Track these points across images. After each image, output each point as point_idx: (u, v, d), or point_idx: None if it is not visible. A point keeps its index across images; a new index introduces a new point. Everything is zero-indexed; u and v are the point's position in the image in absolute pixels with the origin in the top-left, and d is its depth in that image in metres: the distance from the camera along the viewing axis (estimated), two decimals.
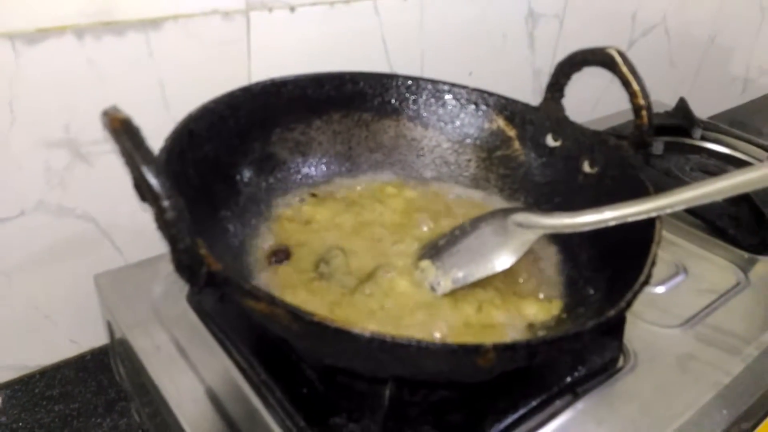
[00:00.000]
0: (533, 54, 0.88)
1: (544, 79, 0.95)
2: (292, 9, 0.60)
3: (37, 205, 0.51)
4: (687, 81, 1.26)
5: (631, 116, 0.45)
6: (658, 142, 0.77)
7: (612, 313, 0.31)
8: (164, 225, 0.27)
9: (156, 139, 0.38)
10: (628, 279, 0.35)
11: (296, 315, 0.28)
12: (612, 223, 0.38)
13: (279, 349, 0.39)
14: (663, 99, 1.01)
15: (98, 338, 0.56)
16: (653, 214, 0.38)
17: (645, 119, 0.44)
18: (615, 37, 1.01)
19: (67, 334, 0.57)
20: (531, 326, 0.39)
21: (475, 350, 0.27)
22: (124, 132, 0.27)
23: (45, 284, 0.54)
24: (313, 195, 0.50)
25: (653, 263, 0.35)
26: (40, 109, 0.48)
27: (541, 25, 0.86)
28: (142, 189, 0.28)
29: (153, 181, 0.26)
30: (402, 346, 0.27)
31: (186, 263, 0.28)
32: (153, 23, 0.51)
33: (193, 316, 0.46)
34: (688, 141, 0.82)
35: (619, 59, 0.44)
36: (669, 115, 0.86)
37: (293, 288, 0.40)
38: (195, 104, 0.44)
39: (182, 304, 0.47)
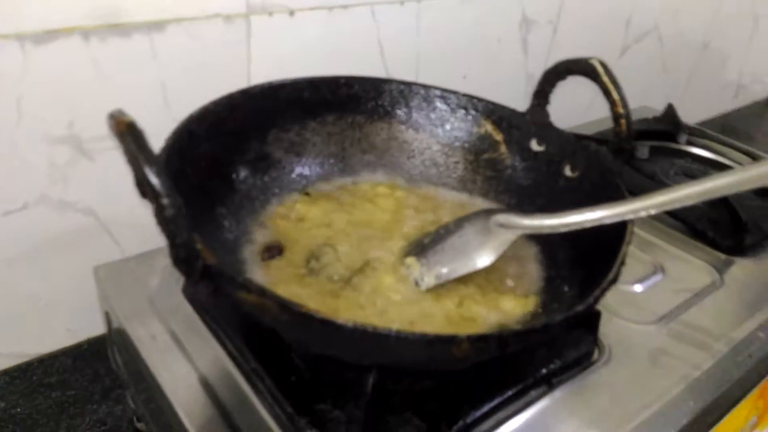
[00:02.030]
0: (527, 58, 0.89)
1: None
2: (292, 13, 0.61)
3: (40, 198, 0.53)
4: (679, 87, 1.28)
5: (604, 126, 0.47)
6: (644, 147, 0.79)
7: (580, 308, 0.33)
8: (163, 221, 0.29)
9: (156, 137, 0.38)
10: (599, 278, 0.37)
11: (285, 306, 0.30)
12: (588, 225, 0.40)
13: (269, 339, 0.41)
14: (655, 105, 1.02)
15: (94, 328, 0.58)
16: (627, 217, 0.40)
17: (624, 126, 0.46)
18: (608, 44, 1.03)
19: (65, 324, 0.59)
20: (507, 320, 0.41)
21: (450, 340, 0.30)
22: (129, 134, 0.29)
23: (45, 275, 0.56)
24: (307, 194, 0.52)
25: (622, 263, 0.37)
26: (45, 106, 0.50)
27: (535, 31, 0.88)
28: (144, 187, 0.30)
29: (154, 180, 0.28)
30: (382, 335, 0.29)
31: (183, 257, 0.30)
32: (157, 25, 0.53)
33: (187, 308, 0.48)
34: (673, 146, 0.84)
35: (600, 69, 0.46)
36: (656, 120, 0.88)
37: (285, 282, 0.42)
38: (195, 104, 0.45)
39: (177, 296, 0.49)
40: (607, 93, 0.47)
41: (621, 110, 0.46)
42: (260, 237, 0.46)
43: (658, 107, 0.98)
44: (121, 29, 0.52)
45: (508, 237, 0.42)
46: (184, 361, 0.44)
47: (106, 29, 0.51)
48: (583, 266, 0.43)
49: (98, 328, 0.57)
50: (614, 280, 0.36)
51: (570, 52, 0.55)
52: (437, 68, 0.78)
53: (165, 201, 0.28)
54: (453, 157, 0.56)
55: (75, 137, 0.53)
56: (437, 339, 0.29)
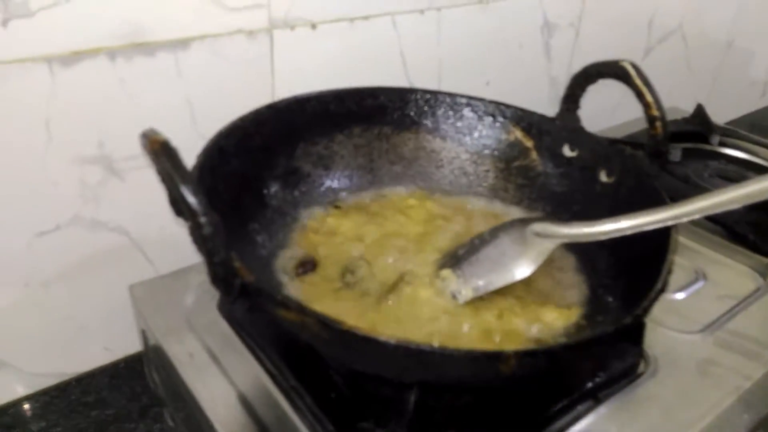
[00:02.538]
0: (549, 63, 0.88)
1: (561, 88, 0.96)
2: (314, 26, 0.61)
3: (73, 219, 0.53)
4: (705, 86, 1.25)
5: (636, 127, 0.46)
6: (676, 149, 0.77)
7: (628, 320, 0.32)
8: (201, 240, 0.29)
9: (184, 153, 0.39)
10: (644, 287, 0.35)
11: (326, 324, 0.30)
12: (628, 232, 0.39)
13: (307, 356, 0.40)
14: (681, 105, 1.01)
15: (131, 346, 0.58)
16: (669, 223, 0.38)
17: (659, 129, 0.45)
18: (631, 45, 1.01)
19: (101, 343, 0.59)
20: (550, 332, 0.40)
21: (496, 357, 0.29)
22: (163, 153, 0.29)
23: (80, 295, 0.56)
24: (337, 207, 0.51)
25: (669, 271, 0.36)
26: (74, 127, 0.50)
27: (557, 35, 0.86)
28: (179, 205, 0.30)
29: (191, 199, 0.28)
30: (426, 353, 0.28)
31: (221, 275, 0.30)
32: (182, 43, 0.53)
33: (223, 324, 0.48)
34: (706, 147, 0.82)
35: (632, 72, 0.45)
36: (686, 121, 0.86)
37: (320, 297, 0.41)
38: (221, 120, 0.45)
39: (213, 313, 0.49)
40: (640, 96, 0.45)
41: (656, 113, 0.45)
42: (293, 251, 0.46)
43: (684, 108, 0.96)
44: (145, 48, 0.52)
45: (546, 246, 0.41)
46: (222, 379, 0.44)
47: (131, 48, 0.51)
48: (625, 275, 0.42)
49: (134, 346, 0.57)
50: (662, 290, 0.34)
51: (593, 55, 0.54)
52: (460, 76, 0.77)
53: (202, 219, 0.28)
54: (483, 165, 0.55)
55: (105, 157, 0.52)
56: (483, 356, 0.29)
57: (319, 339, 0.32)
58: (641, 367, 0.46)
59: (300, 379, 0.41)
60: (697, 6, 1.09)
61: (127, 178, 0.54)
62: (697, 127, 0.83)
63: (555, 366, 0.31)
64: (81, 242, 0.54)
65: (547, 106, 0.78)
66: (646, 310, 0.33)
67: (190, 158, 0.39)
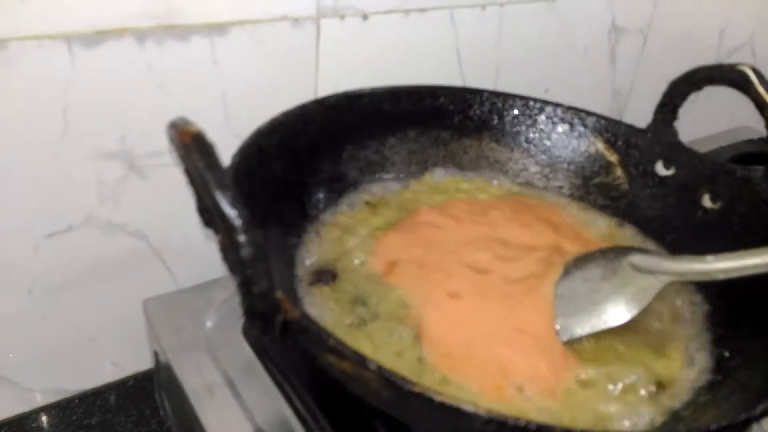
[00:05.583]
0: (614, 71, 0.81)
1: (623, 100, 0.90)
2: (365, 17, 0.55)
3: (86, 220, 0.48)
4: None
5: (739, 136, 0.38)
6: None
7: None
8: (238, 264, 0.22)
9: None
10: None
11: (391, 382, 0.23)
12: (757, 272, 0.32)
13: (349, 402, 0.34)
14: (751, 123, 0.93)
15: (142, 362, 0.53)
16: None
17: None
18: (699, 56, 0.93)
19: (110, 357, 0.54)
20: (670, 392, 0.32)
21: None
22: (196, 149, 0.22)
23: (89, 304, 0.51)
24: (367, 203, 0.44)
25: None
26: (94, 117, 0.45)
27: (624, 41, 0.80)
28: (210, 215, 0.23)
29: (229, 211, 0.21)
30: (528, 431, 0.21)
31: (260, 310, 0.23)
32: (219, 28, 0.48)
33: (248, 352, 0.42)
34: None
35: (754, 78, 0.38)
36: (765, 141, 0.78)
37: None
38: (257, 117, 0.40)
39: (237, 337, 0.43)
40: (762, 107, 0.38)
41: None
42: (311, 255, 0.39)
43: (756, 127, 0.88)
44: (178, 31, 0.46)
45: (651, 284, 0.34)
46: (242, 418, 0.38)
47: (162, 31, 0.45)
48: (744, 325, 0.34)
49: (146, 362, 0.52)
50: None
51: (659, 65, 0.48)
52: (517, 79, 0.71)
53: (242, 238, 0.21)
54: (555, 180, 0.48)
55: (127, 152, 0.48)
56: None
57: (379, 398, 0.25)
58: None
59: (335, 426, 0.35)
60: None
61: (150, 177, 0.49)
62: None
63: None
64: (94, 246, 0.49)
65: None
66: None
67: (223, 159, 0.33)
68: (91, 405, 0.54)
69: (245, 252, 0.22)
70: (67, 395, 0.53)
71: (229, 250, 0.22)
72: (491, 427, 0.21)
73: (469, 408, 0.21)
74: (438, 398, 0.22)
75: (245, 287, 0.23)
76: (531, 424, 0.21)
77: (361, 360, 0.23)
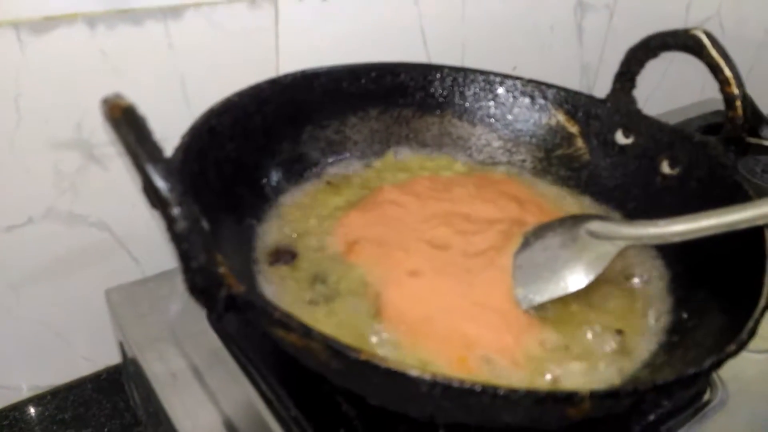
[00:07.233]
0: (581, 48, 0.81)
1: (593, 75, 0.89)
2: None
3: (47, 211, 0.47)
4: (743, 76, 1.17)
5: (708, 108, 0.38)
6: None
7: (733, 347, 0.25)
8: (175, 237, 0.22)
9: (175, 137, 0.33)
10: (732, 302, 0.28)
11: (337, 351, 0.23)
12: (709, 233, 0.32)
13: (313, 380, 0.33)
14: (718, 95, 0.93)
15: (114, 356, 0.52)
16: (759, 222, 0.31)
17: (739, 111, 0.38)
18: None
19: (80, 352, 0.54)
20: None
21: (567, 399, 0.21)
22: (126, 122, 0.22)
23: (55, 298, 0.50)
24: (328, 183, 0.44)
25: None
26: (48, 106, 0.44)
27: (591, 16, 0.79)
28: (151, 193, 0.23)
29: (160, 183, 0.21)
30: (473, 393, 0.21)
31: (200, 285, 0.23)
32: (173, 11, 0.47)
33: (214, 338, 0.41)
34: (753, 140, 0.74)
35: (707, 42, 0.38)
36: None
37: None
38: (217, 100, 0.39)
39: (202, 324, 0.42)
40: (716, 71, 0.38)
41: (735, 90, 0.38)
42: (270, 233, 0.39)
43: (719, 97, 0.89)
44: (132, 15, 0.45)
45: (607, 250, 0.34)
46: (208, 404, 0.38)
47: (114, 15, 0.45)
48: (701, 287, 0.34)
49: (118, 356, 0.51)
50: (766, 307, 0.27)
51: (627, 40, 0.48)
52: (484, 58, 0.70)
53: (175, 211, 0.21)
54: (518, 154, 0.48)
55: (84, 141, 0.47)
56: (551, 397, 0.21)
57: (328, 368, 0.24)
58: (708, 395, 0.39)
59: (302, 408, 0.35)
60: None
61: (110, 166, 0.48)
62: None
63: (640, 408, 0.23)
64: (56, 238, 0.48)
65: None
66: (753, 332, 0.25)
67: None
68: (64, 400, 0.53)
69: (180, 226, 0.21)
70: (38, 391, 0.52)
71: (167, 225, 0.22)
72: (437, 391, 0.21)
73: (413, 372, 0.21)
74: (384, 365, 0.22)
75: (184, 262, 0.22)
76: (476, 386, 0.21)
77: (306, 331, 0.23)
